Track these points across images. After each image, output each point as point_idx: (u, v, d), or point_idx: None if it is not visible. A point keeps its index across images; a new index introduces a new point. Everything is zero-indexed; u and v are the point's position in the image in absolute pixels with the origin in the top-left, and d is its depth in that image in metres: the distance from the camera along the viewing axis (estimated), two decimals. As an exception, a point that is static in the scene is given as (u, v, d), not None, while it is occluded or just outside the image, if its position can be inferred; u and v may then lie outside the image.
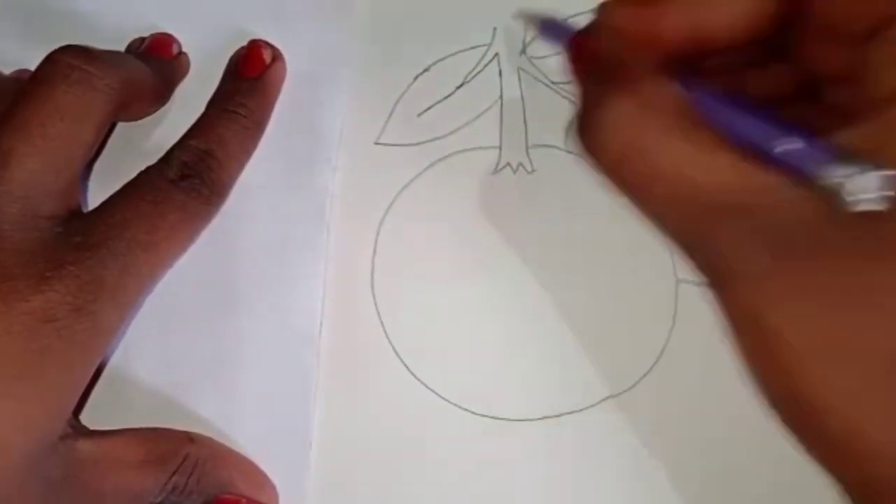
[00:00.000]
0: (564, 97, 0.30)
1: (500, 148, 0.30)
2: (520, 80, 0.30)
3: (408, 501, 0.28)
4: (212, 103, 0.29)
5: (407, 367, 0.28)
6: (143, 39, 0.30)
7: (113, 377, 0.28)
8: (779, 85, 0.23)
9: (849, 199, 0.18)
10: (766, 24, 0.22)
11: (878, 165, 0.18)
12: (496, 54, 0.30)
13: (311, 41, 0.31)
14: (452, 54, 0.30)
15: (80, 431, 0.25)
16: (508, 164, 0.30)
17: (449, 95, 0.30)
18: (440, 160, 0.30)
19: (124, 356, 0.29)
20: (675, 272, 0.28)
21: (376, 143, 0.30)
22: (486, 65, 0.30)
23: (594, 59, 0.23)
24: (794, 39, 0.22)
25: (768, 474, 0.27)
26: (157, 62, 0.30)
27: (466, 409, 0.28)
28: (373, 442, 0.28)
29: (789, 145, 0.19)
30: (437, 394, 0.28)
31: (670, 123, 0.20)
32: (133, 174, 0.27)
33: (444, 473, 0.28)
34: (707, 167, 0.20)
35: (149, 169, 0.27)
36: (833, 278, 0.18)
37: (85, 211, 0.27)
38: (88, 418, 0.27)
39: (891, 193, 0.18)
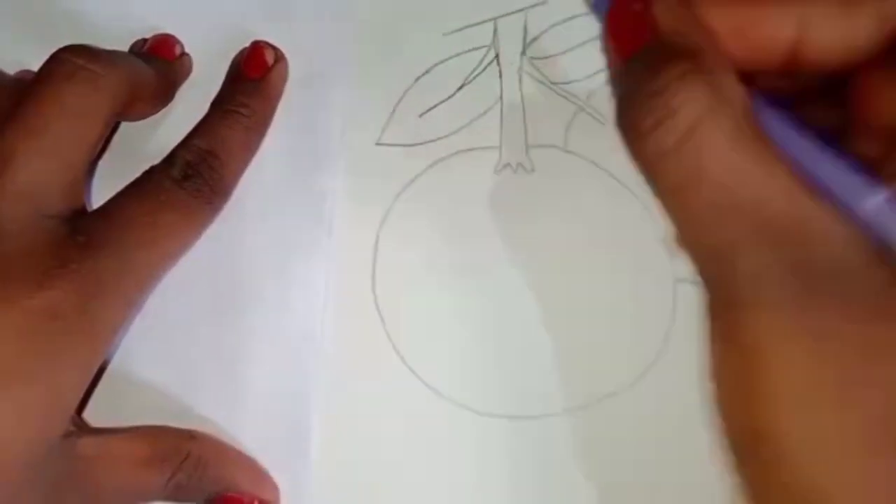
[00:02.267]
0: (564, 98, 0.30)
1: (500, 148, 0.30)
2: (520, 81, 0.30)
3: (409, 500, 0.28)
4: (215, 104, 0.29)
5: (408, 366, 0.29)
6: (145, 40, 0.31)
7: (116, 375, 0.29)
8: (817, 119, 0.21)
9: None
10: (870, 52, 0.19)
11: None
12: (496, 55, 0.31)
13: (312, 42, 0.31)
14: (453, 56, 0.31)
15: (82, 429, 0.26)
16: (509, 164, 0.30)
17: (450, 96, 0.30)
18: (441, 160, 0.30)
19: (127, 354, 0.29)
20: (673, 272, 0.28)
21: (378, 144, 0.30)
22: (486, 66, 0.30)
23: (650, 34, 0.19)
24: (854, 78, 0.20)
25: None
26: (159, 63, 0.30)
27: (467, 408, 0.28)
28: (374, 440, 0.28)
29: (873, 200, 0.18)
30: (438, 392, 0.28)
31: (737, 126, 0.18)
32: (137, 174, 0.27)
33: (445, 472, 0.28)
34: (762, 183, 0.18)
35: (152, 169, 0.27)
36: (850, 327, 0.17)
37: (89, 210, 0.27)
38: (91, 416, 0.28)
39: None
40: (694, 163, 0.18)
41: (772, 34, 0.19)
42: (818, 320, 0.17)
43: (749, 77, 0.19)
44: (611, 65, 0.21)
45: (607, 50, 0.21)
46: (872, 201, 0.18)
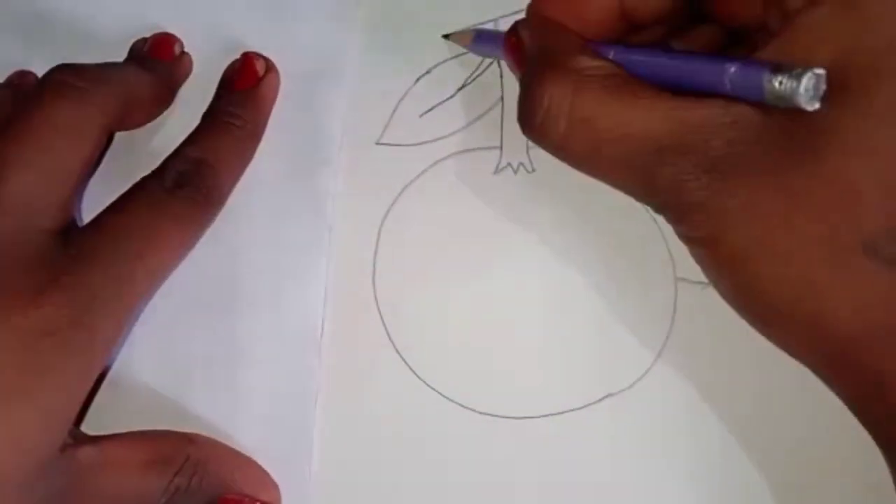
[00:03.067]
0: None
1: (501, 148, 0.30)
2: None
3: (410, 500, 0.28)
4: (206, 115, 0.29)
5: (409, 366, 0.29)
6: (145, 40, 0.31)
7: (114, 378, 0.29)
8: (702, 47, 0.25)
9: (783, 104, 0.20)
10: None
11: (805, 68, 0.20)
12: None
13: (312, 41, 0.31)
14: (454, 56, 0.31)
15: (79, 439, 0.25)
16: (509, 164, 0.30)
17: (451, 97, 0.30)
18: (441, 160, 0.30)
19: (125, 357, 0.29)
20: (674, 271, 0.29)
21: (378, 144, 0.30)
22: (487, 66, 0.30)
23: (524, 53, 0.25)
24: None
25: (767, 472, 0.27)
26: (158, 65, 0.30)
27: (468, 408, 0.28)
28: (375, 441, 0.28)
29: (728, 69, 0.21)
30: (438, 392, 0.28)
31: (603, 89, 0.22)
32: (130, 181, 0.27)
33: (446, 472, 0.28)
34: (644, 120, 0.22)
35: (144, 179, 0.27)
36: (769, 185, 0.21)
37: (80, 225, 0.27)
38: (89, 419, 0.28)
39: (820, 90, 0.20)
40: (582, 131, 0.22)
41: (599, 8, 0.24)
42: (742, 193, 0.21)
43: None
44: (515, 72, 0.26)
45: (514, 72, 0.26)
46: (728, 74, 0.21)
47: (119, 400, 0.28)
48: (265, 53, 0.30)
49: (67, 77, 0.26)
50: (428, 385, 0.28)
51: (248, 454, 0.28)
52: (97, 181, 0.30)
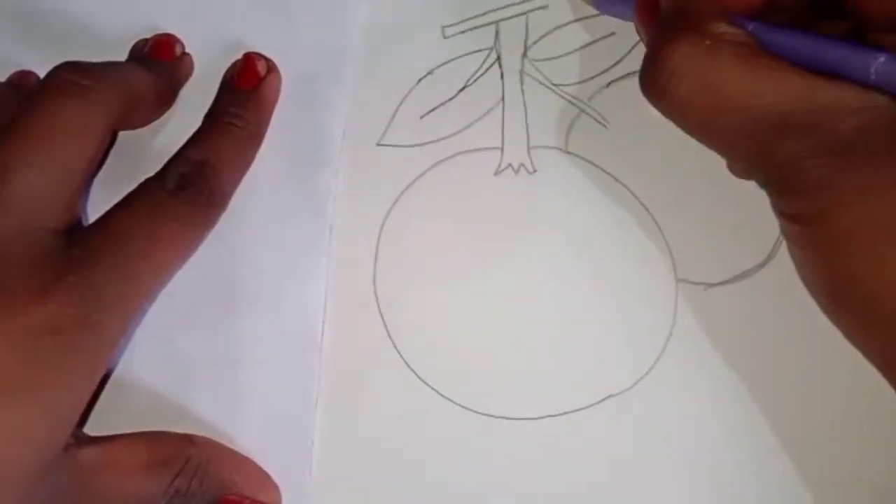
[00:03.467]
0: (566, 99, 0.30)
1: (501, 149, 0.30)
2: (521, 82, 0.30)
3: (410, 500, 0.28)
4: (208, 116, 0.29)
5: (409, 367, 0.29)
6: (146, 41, 0.31)
7: (114, 378, 0.28)
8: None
9: None
10: None
11: None
12: (498, 57, 0.31)
13: (313, 41, 0.31)
14: (455, 58, 0.31)
15: (81, 440, 0.25)
16: (510, 165, 0.30)
17: (451, 98, 0.30)
18: (442, 161, 0.30)
19: (126, 357, 0.29)
20: (674, 272, 0.29)
21: (379, 145, 0.30)
22: (488, 67, 0.31)
23: (656, 13, 0.25)
24: None
25: (767, 473, 0.27)
26: (160, 66, 0.30)
27: (468, 409, 0.28)
28: (375, 441, 0.28)
29: (877, 58, 0.21)
30: (439, 393, 0.28)
31: (736, 56, 0.22)
32: (134, 181, 0.27)
33: (446, 472, 0.28)
34: (773, 91, 0.22)
35: (147, 181, 0.27)
36: (891, 174, 0.21)
37: (85, 224, 0.27)
38: (91, 419, 0.27)
39: None
40: (711, 101, 0.22)
41: None
42: (859, 179, 0.21)
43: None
44: (645, 40, 0.26)
45: (639, 31, 0.26)
46: (876, 63, 0.21)
47: (120, 400, 0.28)
48: (266, 54, 0.30)
49: (71, 75, 0.26)
50: (428, 385, 0.28)
51: (248, 455, 0.28)
52: (101, 181, 0.30)
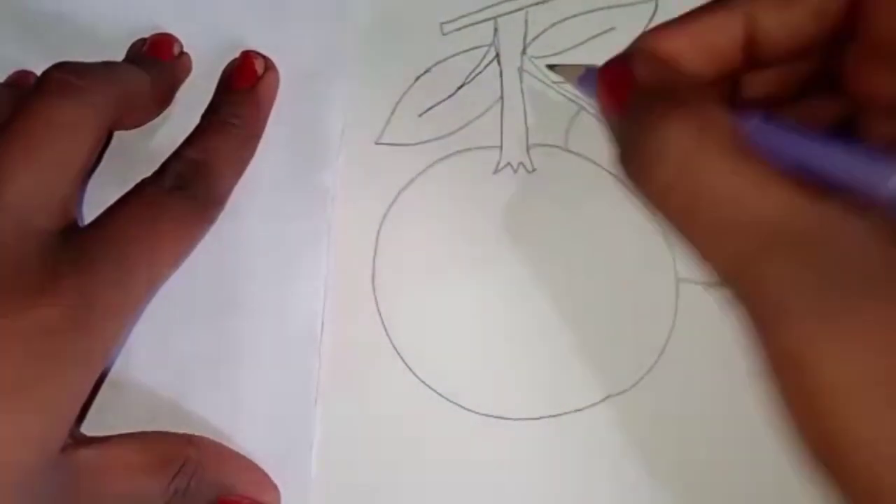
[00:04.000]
0: (565, 97, 0.30)
1: (500, 148, 0.30)
2: (520, 80, 0.30)
3: (409, 500, 0.28)
4: (206, 115, 0.29)
5: (408, 367, 0.29)
6: (144, 40, 0.30)
7: (113, 378, 0.28)
8: (823, 118, 0.23)
9: None
10: (821, 35, 0.21)
11: None
12: (497, 54, 0.30)
13: (311, 40, 0.31)
14: (454, 55, 0.30)
15: (79, 441, 0.25)
16: (509, 163, 0.30)
17: (450, 96, 0.30)
18: (441, 160, 0.30)
19: (124, 357, 0.29)
20: (675, 271, 0.28)
21: (377, 143, 0.30)
22: (486, 65, 0.30)
23: (632, 88, 0.22)
24: (843, 64, 0.21)
25: (767, 473, 0.27)
26: (157, 65, 0.30)
27: (467, 409, 0.28)
28: (374, 441, 0.28)
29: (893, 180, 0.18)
30: (438, 393, 0.28)
31: (724, 149, 0.19)
32: (131, 181, 0.27)
33: (445, 473, 0.28)
34: (761, 196, 0.19)
35: (144, 181, 0.27)
36: (882, 319, 0.18)
37: (82, 225, 0.27)
38: (89, 420, 0.28)
39: None
40: (693, 190, 0.19)
41: (725, 37, 0.21)
42: (848, 319, 0.18)
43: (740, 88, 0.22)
44: (607, 120, 0.23)
45: (602, 109, 0.23)
46: (893, 182, 0.18)
47: (119, 400, 0.28)
48: (265, 52, 0.30)
49: (66, 75, 0.26)
50: (427, 385, 0.28)
51: (247, 455, 0.28)
52: (97, 181, 0.30)
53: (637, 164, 0.21)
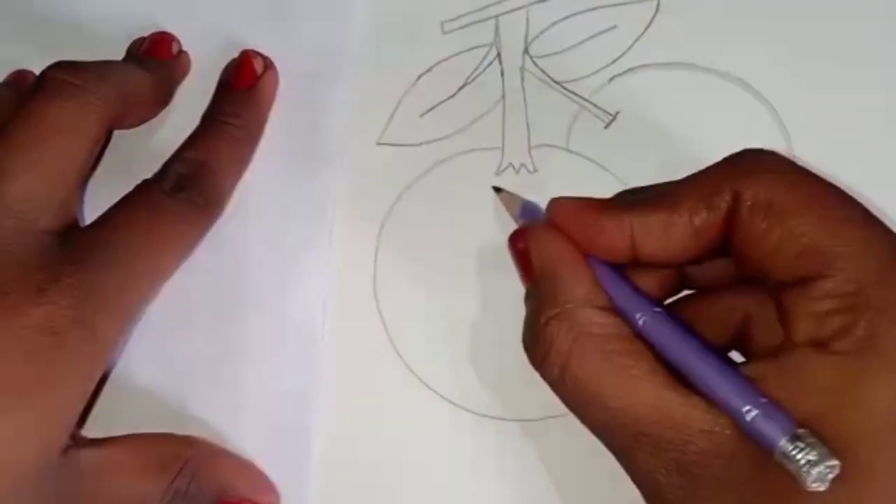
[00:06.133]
0: (566, 96, 0.30)
1: (502, 149, 0.30)
2: (522, 79, 0.30)
3: (409, 500, 0.28)
4: (205, 116, 0.29)
5: (409, 368, 0.28)
6: (143, 39, 0.30)
7: (114, 379, 0.29)
8: (717, 276, 0.25)
9: (785, 467, 0.19)
10: (702, 252, 0.23)
11: (823, 455, 0.19)
12: (498, 53, 0.30)
13: (312, 41, 0.31)
14: (455, 54, 0.30)
15: (79, 442, 0.25)
16: (511, 164, 0.30)
17: (451, 96, 0.30)
18: (443, 161, 0.30)
19: (126, 357, 0.29)
20: (676, 272, 0.28)
21: (379, 144, 0.30)
22: (488, 65, 0.30)
23: (530, 268, 0.24)
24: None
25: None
26: (156, 65, 0.30)
27: (468, 409, 0.28)
28: (375, 441, 0.28)
29: (751, 409, 0.20)
30: (438, 394, 0.28)
31: (601, 354, 0.22)
32: (131, 181, 0.27)
33: (446, 473, 0.28)
34: (631, 400, 0.21)
35: (145, 182, 0.27)
36: None
37: (82, 225, 0.27)
38: (90, 419, 0.28)
39: (828, 478, 0.19)
40: (574, 387, 0.22)
41: (614, 242, 0.23)
42: None
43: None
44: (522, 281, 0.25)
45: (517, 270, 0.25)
46: (751, 414, 0.20)
47: (119, 401, 0.28)
48: (265, 52, 0.30)
49: (64, 75, 0.26)
50: (428, 386, 0.28)
51: (248, 455, 0.28)
52: (98, 182, 0.30)
53: (532, 355, 0.23)
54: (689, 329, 0.22)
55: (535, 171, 0.29)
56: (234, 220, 0.29)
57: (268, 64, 0.30)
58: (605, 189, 0.29)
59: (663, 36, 0.30)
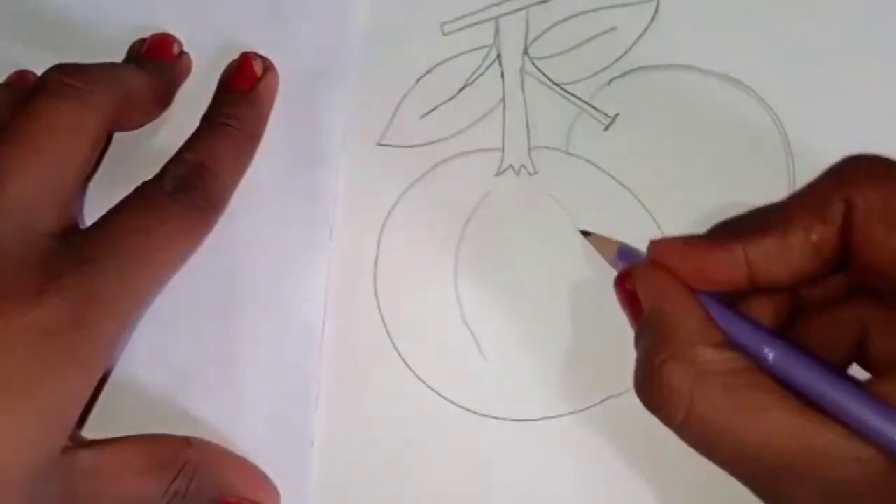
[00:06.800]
0: (566, 98, 0.30)
1: (502, 150, 0.30)
2: (522, 81, 0.30)
3: (409, 500, 0.28)
4: (206, 117, 0.29)
5: (409, 367, 0.29)
6: (144, 41, 0.30)
7: (114, 379, 0.29)
8: (831, 293, 0.24)
9: None
10: (821, 268, 0.22)
11: None
12: (498, 55, 0.30)
13: (312, 41, 0.31)
14: (455, 56, 0.30)
15: (79, 443, 0.25)
16: (511, 165, 0.30)
17: (452, 97, 0.30)
18: (443, 162, 0.30)
19: (125, 357, 0.29)
20: (676, 273, 0.28)
21: (379, 145, 0.30)
22: (488, 66, 0.30)
23: (640, 306, 0.23)
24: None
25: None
26: (157, 66, 0.30)
27: (468, 409, 0.28)
28: (375, 441, 0.28)
29: (875, 419, 0.20)
30: (438, 394, 0.28)
31: (724, 388, 0.21)
32: (132, 183, 0.27)
33: (446, 473, 0.28)
34: (765, 432, 0.20)
35: (145, 183, 0.27)
36: None
37: (82, 227, 0.27)
38: (90, 421, 0.28)
39: None
40: (703, 429, 0.21)
41: (730, 274, 0.22)
42: None
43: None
44: (631, 323, 0.24)
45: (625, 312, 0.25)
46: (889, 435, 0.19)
47: (119, 401, 0.28)
48: (265, 54, 0.30)
49: (65, 77, 0.26)
50: (428, 386, 0.28)
51: (248, 456, 0.28)
52: (98, 183, 0.30)
53: (651, 402, 0.22)
54: (817, 356, 0.22)
55: (535, 172, 0.30)
56: (235, 220, 0.29)
57: (268, 65, 0.30)
58: (605, 191, 0.29)
59: (663, 38, 0.30)
